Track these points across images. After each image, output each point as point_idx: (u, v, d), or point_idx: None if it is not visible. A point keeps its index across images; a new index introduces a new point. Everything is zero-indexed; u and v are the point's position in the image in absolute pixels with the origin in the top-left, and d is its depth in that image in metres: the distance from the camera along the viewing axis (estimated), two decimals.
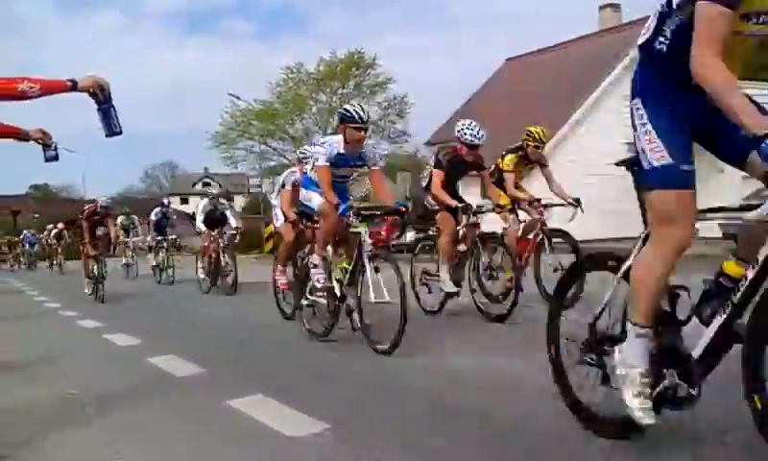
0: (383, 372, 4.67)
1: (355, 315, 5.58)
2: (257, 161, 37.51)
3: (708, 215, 2.78)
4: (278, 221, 8.95)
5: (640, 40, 2.67)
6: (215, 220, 12.30)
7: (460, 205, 6.78)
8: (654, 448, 2.80)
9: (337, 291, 5.80)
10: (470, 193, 8.74)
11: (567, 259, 5.63)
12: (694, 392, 2.55)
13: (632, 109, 2.69)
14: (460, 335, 6.01)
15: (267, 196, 38.73)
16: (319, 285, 5.86)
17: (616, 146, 22.94)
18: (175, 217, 17.52)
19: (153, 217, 16.18)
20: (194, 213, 13.44)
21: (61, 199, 70.94)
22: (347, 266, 5.77)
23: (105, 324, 8.05)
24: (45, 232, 28.75)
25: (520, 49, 39.26)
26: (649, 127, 2.59)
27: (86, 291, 12.11)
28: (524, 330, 5.94)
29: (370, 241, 5.47)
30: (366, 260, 5.33)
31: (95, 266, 11.47)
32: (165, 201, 19.15)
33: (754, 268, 2.36)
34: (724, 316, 2.44)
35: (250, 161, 38.31)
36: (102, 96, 3.48)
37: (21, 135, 3.84)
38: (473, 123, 6.90)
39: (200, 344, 6.31)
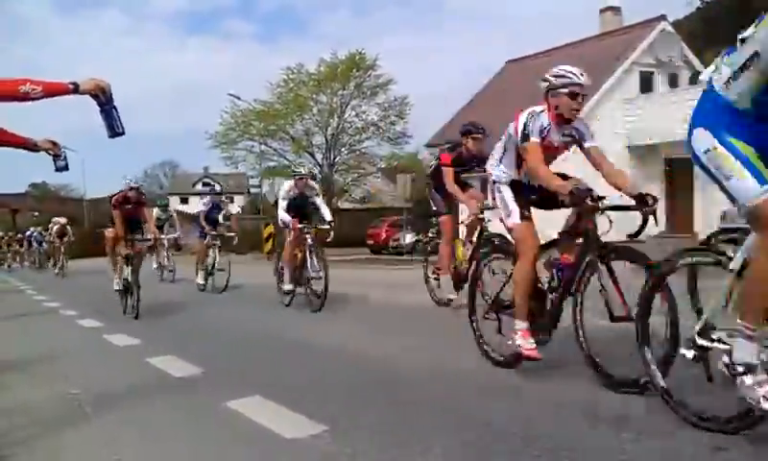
0: (382, 373, 4.67)
1: None
2: (257, 162, 37.52)
3: None
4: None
5: None
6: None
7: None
8: (651, 450, 2.81)
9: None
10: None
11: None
12: None
13: None
14: (461, 336, 6.01)
15: (266, 197, 38.79)
16: None
17: (617, 148, 23.05)
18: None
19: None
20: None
21: (61, 198, 71.01)
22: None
23: (104, 324, 8.05)
24: (49, 229, 24.96)
25: (521, 51, 39.25)
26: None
27: (123, 308, 9.04)
28: None
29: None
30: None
31: (128, 270, 8.82)
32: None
33: None
34: None
35: (250, 162, 38.33)
36: (103, 98, 3.52)
37: (30, 146, 3.88)
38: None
39: (199, 344, 6.31)
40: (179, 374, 4.95)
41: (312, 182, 9.59)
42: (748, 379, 2.75)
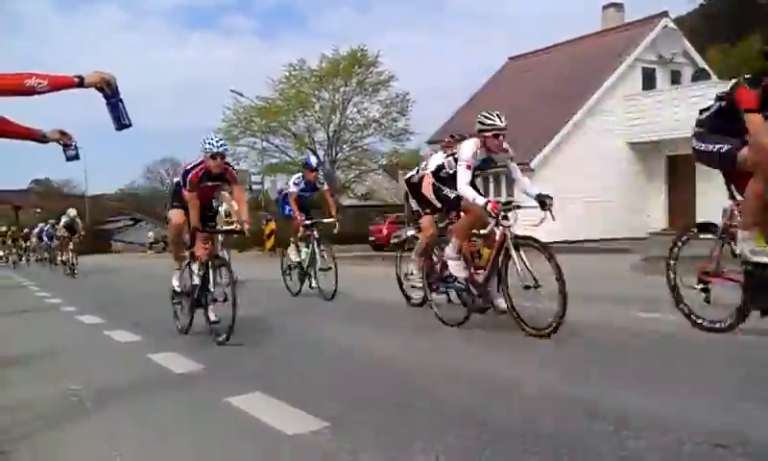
0: (383, 370, 4.68)
1: None
2: (259, 158, 37.52)
3: None
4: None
5: None
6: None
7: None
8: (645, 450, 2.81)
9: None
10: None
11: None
12: None
13: None
14: (459, 334, 6.01)
15: (268, 194, 38.80)
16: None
17: (619, 145, 23.05)
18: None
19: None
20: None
21: (64, 194, 71.03)
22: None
23: (105, 320, 8.07)
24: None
25: (523, 48, 39.19)
26: None
27: (177, 324, 6.79)
28: (518, 329, 5.96)
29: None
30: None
31: (209, 274, 6.26)
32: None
33: None
34: None
35: (251, 158, 38.33)
36: (109, 91, 3.51)
37: (39, 138, 3.81)
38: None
39: (200, 341, 6.32)
40: (180, 370, 4.96)
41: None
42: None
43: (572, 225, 21.01)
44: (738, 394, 3.59)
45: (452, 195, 6.52)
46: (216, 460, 3.12)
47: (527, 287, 5.44)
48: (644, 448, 2.82)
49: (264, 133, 36.40)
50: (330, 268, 9.16)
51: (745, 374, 4.10)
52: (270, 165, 38.14)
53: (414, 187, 7.57)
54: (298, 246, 9.91)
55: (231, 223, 9.96)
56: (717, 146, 4.98)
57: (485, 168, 6.30)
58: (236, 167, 46.92)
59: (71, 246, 18.99)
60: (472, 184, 5.93)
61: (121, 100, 3.56)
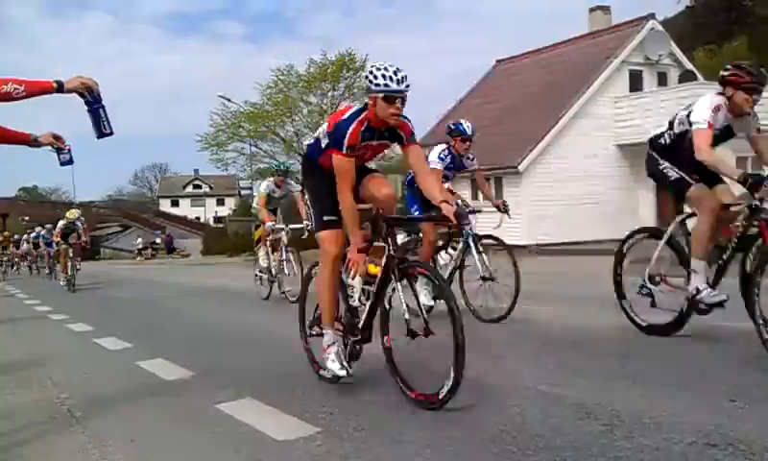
0: (373, 375, 4.66)
1: None
2: (248, 163, 37.47)
3: None
4: None
5: None
6: None
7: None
8: (637, 449, 2.81)
9: None
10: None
11: None
12: None
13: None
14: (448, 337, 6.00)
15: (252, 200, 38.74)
16: None
17: (607, 147, 23.14)
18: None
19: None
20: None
21: (52, 202, 70.66)
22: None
23: (94, 328, 8.00)
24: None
25: (510, 51, 39.33)
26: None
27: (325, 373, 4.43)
28: (512, 330, 5.97)
29: None
30: None
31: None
32: None
33: None
34: None
35: (240, 163, 38.27)
36: (90, 97, 3.44)
37: (31, 142, 3.69)
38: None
39: (189, 347, 6.29)
40: (169, 377, 4.93)
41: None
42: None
43: (559, 227, 21.08)
44: (728, 393, 3.60)
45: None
46: None
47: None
48: (636, 448, 2.83)
49: (253, 138, 36.33)
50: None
51: (734, 374, 4.12)
52: (258, 170, 38.07)
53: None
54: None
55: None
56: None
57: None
58: (224, 173, 46.55)
59: (69, 253, 15.65)
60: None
61: (103, 107, 3.48)
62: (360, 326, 4.16)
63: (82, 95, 3.42)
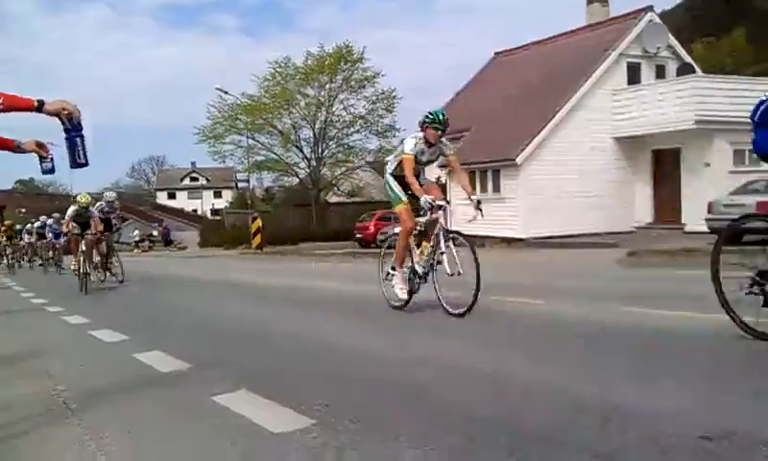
0: (370, 367, 4.66)
1: None
2: (245, 156, 37.44)
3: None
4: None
5: None
6: None
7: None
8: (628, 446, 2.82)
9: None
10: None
11: None
12: None
13: None
14: (444, 331, 6.02)
15: (254, 191, 38.57)
16: None
17: (604, 140, 23.14)
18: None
19: None
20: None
21: (49, 194, 70.53)
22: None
23: (91, 320, 8.00)
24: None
25: (508, 43, 39.27)
26: None
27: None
28: (507, 324, 5.98)
29: None
30: None
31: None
32: None
33: None
34: None
35: (238, 156, 38.24)
36: (69, 124, 3.32)
37: (14, 148, 3.66)
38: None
39: (186, 339, 6.29)
40: (166, 369, 4.93)
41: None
42: None
43: (558, 220, 21.09)
44: (724, 387, 3.61)
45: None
46: (202, 459, 3.10)
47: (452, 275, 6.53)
48: (631, 442, 2.83)
49: (250, 130, 36.31)
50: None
51: (730, 367, 4.13)
52: (256, 163, 38.04)
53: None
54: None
55: None
56: None
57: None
58: (222, 165, 46.37)
59: (81, 248, 13.01)
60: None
61: (82, 135, 3.35)
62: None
63: (62, 120, 3.30)
